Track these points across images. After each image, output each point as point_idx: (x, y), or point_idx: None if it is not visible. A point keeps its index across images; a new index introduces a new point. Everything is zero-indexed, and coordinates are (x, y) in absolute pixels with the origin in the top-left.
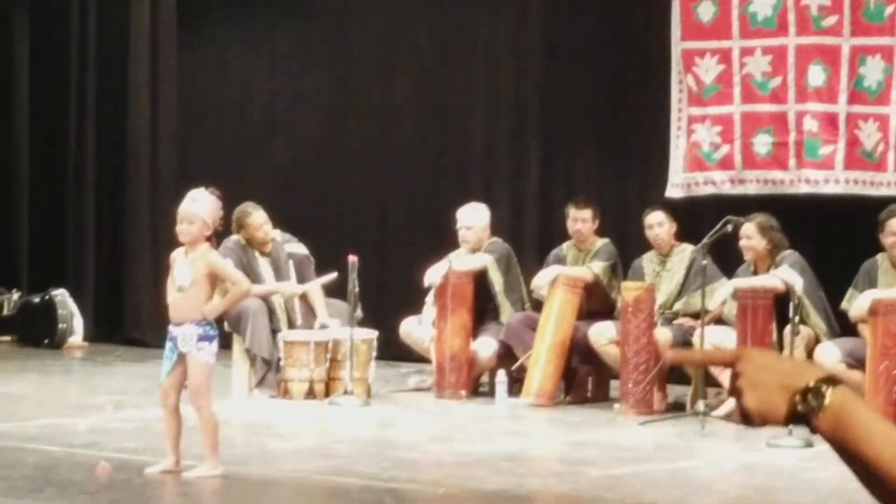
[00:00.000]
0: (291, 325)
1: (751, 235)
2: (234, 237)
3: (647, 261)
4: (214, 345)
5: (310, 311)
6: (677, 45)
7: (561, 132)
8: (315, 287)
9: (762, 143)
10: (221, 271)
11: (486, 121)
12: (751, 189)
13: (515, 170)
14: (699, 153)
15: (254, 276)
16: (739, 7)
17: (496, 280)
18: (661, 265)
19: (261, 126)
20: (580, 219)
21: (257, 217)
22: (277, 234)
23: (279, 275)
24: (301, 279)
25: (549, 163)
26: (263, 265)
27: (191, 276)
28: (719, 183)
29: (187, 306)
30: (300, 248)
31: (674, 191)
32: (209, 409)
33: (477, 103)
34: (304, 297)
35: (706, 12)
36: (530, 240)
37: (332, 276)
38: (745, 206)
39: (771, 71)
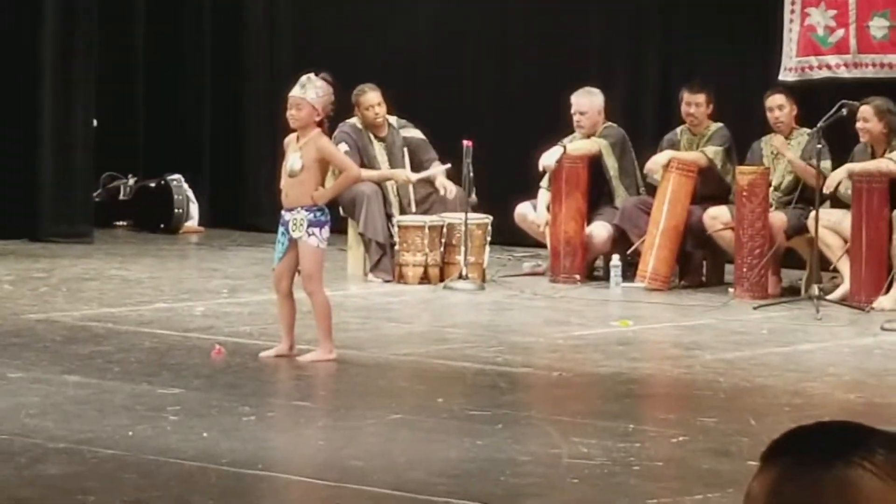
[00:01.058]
0: (404, 211)
1: (867, 118)
2: (351, 120)
3: (766, 143)
4: (326, 230)
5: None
6: None
7: (677, 16)
8: (424, 174)
9: (878, 27)
10: (331, 157)
11: (604, 5)
12: (867, 73)
13: (632, 54)
14: (813, 37)
15: (368, 160)
16: None
17: (611, 164)
18: (775, 151)
19: (378, 10)
20: (694, 103)
21: (370, 97)
22: (394, 120)
23: (393, 160)
24: (418, 164)
25: (665, 47)
26: (378, 149)
27: (301, 161)
28: (834, 67)
29: (298, 191)
30: (416, 133)
31: (787, 75)
32: (322, 294)
33: None
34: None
35: None
36: (648, 124)
37: (445, 166)
38: (859, 90)
39: None
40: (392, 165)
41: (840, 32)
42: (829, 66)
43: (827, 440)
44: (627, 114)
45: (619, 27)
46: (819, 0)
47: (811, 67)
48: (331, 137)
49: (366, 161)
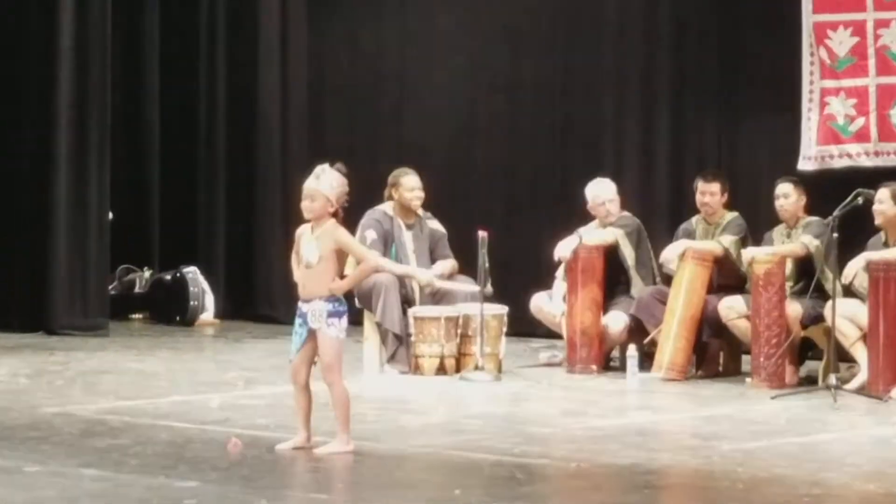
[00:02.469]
0: (421, 302)
1: (883, 200)
2: (382, 207)
3: (777, 233)
4: (344, 320)
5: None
6: (808, 18)
7: (690, 105)
8: (448, 285)
9: None
10: (348, 247)
11: (615, 94)
12: (887, 161)
13: (645, 143)
14: (833, 126)
15: (398, 247)
16: None
17: (628, 254)
18: (790, 237)
19: (390, 102)
20: (708, 192)
21: (412, 180)
22: (420, 210)
23: (420, 250)
24: (437, 255)
25: (678, 136)
26: (408, 238)
27: (318, 252)
28: (855, 155)
29: (315, 283)
30: (438, 226)
31: (806, 164)
32: (341, 385)
33: (606, 77)
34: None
35: None
36: (659, 213)
37: (473, 289)
38: (878, 179)
39: None
40: (419, 255)
41: (860, 121)
42: (849, 155)
43: None
44: (639, 202)
45: (632, 115)
46: (838, 90)
47: (832, 156)
48: (357, 224)
49: (395, 248)
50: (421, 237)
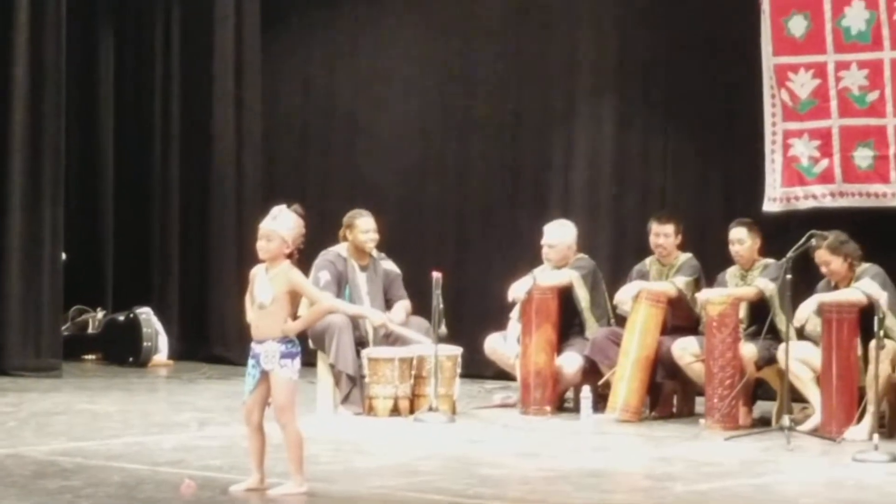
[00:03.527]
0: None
1: (827, 261)
2: (335, 248)
3: (731, 275)
4: (297, 361)
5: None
6: (769, 61)
7: (643, 146)
8: (402, 331)
9: (863, 157)
10: (302, 289)
11: (565, 136)
12: (852, 202)
13: (595, 184)
14: (798, 167)
15: (352, 288)
16: (832, 21)
17: (582, 296)
18: (744, 280)
19: (343, 142)
20: (662, 233)
21: (366, 222)
22: (374, 252)
23: (374, 291)
24: (391, 296)
25: (630, 178)
26: (361, 279)
27: (272, 293)
28: (820, 196)
29: (269, 323)
30: (393, 267)
31: (772, 205)
32: (294, 426)
33: (557, 118)
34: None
35: (798, 27)
36: (613, 255)
37: (423, 340)
38: (843, 219)
39: (868, 84)
40: (373, 296)
41: (825, 162)
42: (814, 196)
43: None
44: (597, 245)
45: (583, 157)
46: (802, 131)
47: (797, 198)
48: (311, 265)
49: (349, 290)
50: (375, 278)
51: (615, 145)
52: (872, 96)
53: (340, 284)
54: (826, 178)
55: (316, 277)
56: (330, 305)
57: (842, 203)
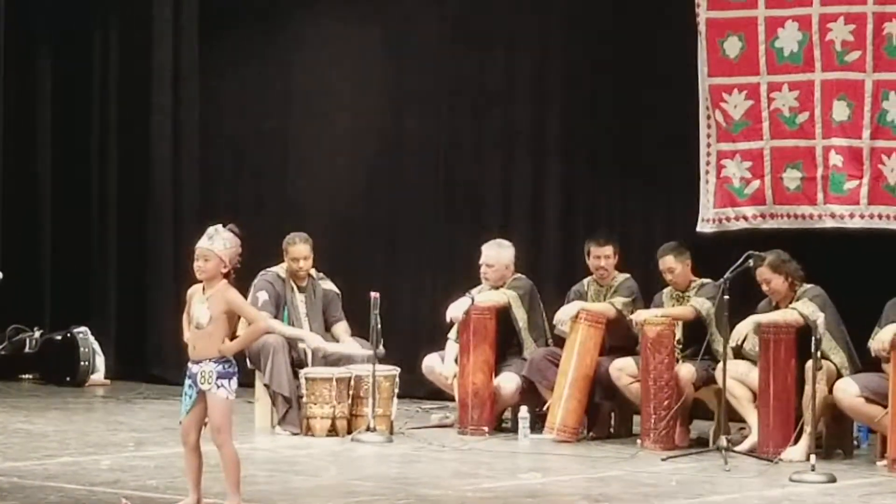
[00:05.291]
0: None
1: (768, 278)
2: (273, 269)
3: (667, 296)
4: (234, 381)
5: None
6: (705, 81)
7: (580, 165)
8: (338, 347)
9: (791, 178)
10: (239, 308)
11: (502, 154)
12: (781, 224)
13: (534, 204)
14: (729, 188)
15: (289, 311)
16: (766, 43)
17: (520, 316)
18: (679, 301)
19: (277, 161)
20: (603, 255)
21: (300, 249)
22: (313, 272)
23: (313, 312)
24: (329, 316)
25: (568, 196)
26: (299, 300)
27: (209, 313)
28: (751, 218)
29: (206, 343)
30: (332, 287)
31: (705, 226)
32: (230, 446)
33: (493, 136)
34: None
35: (733, 48)
36: (551, 275)
37: (364, 352)
38: (774, 241)
39: (798, 106)
40: (311, 317)
41: (756, 184)
42: (745, 217)
43: None
44: (529, 263)
45: (523, 175)
46: (734, 152)
47: (728, 219)
48: (247, 284)
49: (287, 311)
50: (314, 299)
51: (554, 163)
52: (802, 117)
53: (279, 305)
54: (757, 199)
55: (254, 297)
56: (267, 325)
57: (772, 224)
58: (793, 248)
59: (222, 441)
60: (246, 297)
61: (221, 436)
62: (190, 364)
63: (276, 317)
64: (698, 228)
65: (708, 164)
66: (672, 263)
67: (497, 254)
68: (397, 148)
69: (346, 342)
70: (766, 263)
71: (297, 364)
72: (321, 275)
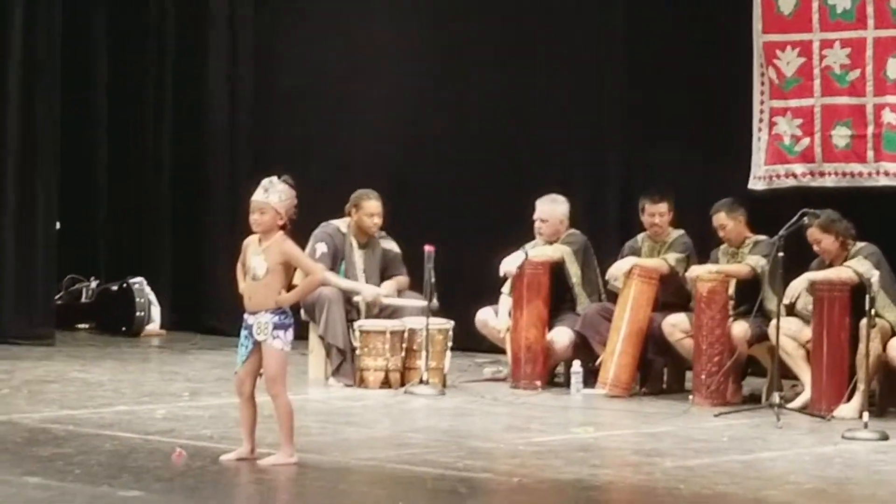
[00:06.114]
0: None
1: (818, 238)
2: (336, 222)
3: (722, 253)
4: (290, 333)
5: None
6: (759, 38)
7: (641, 123)
8: (394, 301)
9: (841, 136)
10: (296, 260)
11: (565, 108)
12: (829, 182)
13: (594, 159)
14: (780, 146)
15: (348, 265)
16: None
17: (573, 272)
18: (734, 257)
19: (335, 116)
20: (657, 213)
21: (374, 205)
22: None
23: (370, 269)
24: (389, 275)
25: (628, 152)
26: (358, 257)
27: (265, 264)
28: (800, 175)
29: (262, 295)
30: (393, 246)
31: (756, 183)
32: (284, 398)
33: (557, 93)
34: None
35: (787, 5)
36: (609, 231)
37: (419, 304)
38: (823, 199)
39: (849, 63)
40: (368, 274)
41: (806, 141)
42: (794, 175)
43: None
44: (589, 219)
45: (581, 132)
46: (786, 109)
47: (778, 176)
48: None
49: (345, 266)
50: (372, 257)
51: (612, 120)
52: (853, 75)
53: (336, 259)
54: (806, 156)
55: (313, 248)
56: (324, 277)
57: (821, 182)
58: (846, 207)
59: (277, 392)
60: (303, 247)
61: (276, 386)
62: (246, 315)
63: (332, 270)
64: (749, 186)
65: (760, 121)
66: (724, 220)
67: (551, 209)
68: (455, 103)
69: (402, 297)
70: (817, 224)
71: (352, 317)
72: (382, 233)
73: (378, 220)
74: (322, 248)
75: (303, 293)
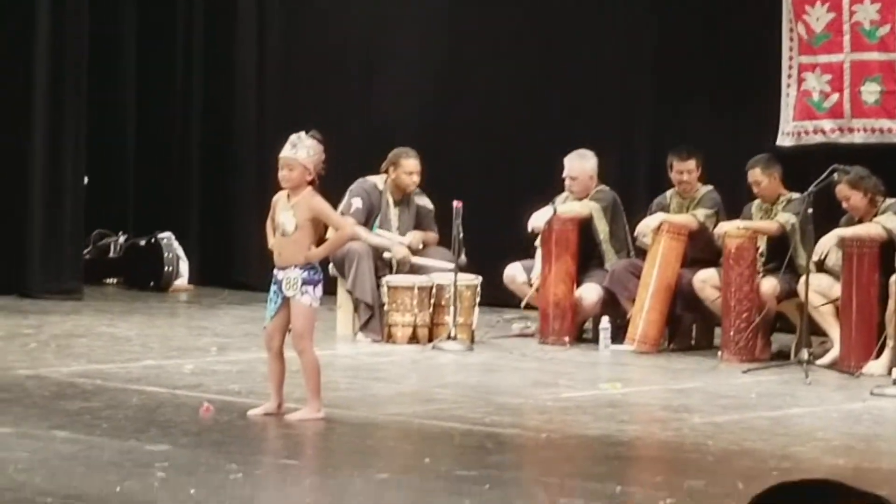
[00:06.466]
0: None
1: (847, 195)
2: (373, 179)
3: (756, 208)
4: (319, 289)
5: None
6: None
7: (670, 80)
8: (424, 261)
9: (870, 92)
10: (326, 216)
11: (593, 64)
12: (858, 138)
13: (623, 115)
14: (809, 101)
15: (383, 221)
16: None
17: (601, 228)
18: (768, 213)
19: (365, 73)
20: (686, 170)
21: (413, 163)
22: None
23: (404, 226)
24: (422, 230)
25: (657, 108)
26: (394, 213)
27: (294, 220)
28: (828, 132)
29: (292, 250)
30: (427, 203)
31: (784, 139)
32: (312, 353)
33: (586, 49)
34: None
35: None
36: (638, 187)
37: (447, 266)
38: (851, 155)
39: (879, 19)
40: (403, 231)
41: (834, 97)
42: (823, 131)
43: (808, 497)
44: (619, 175)
45: (610, 90)
46: (815, 65)
47: (807, 132)
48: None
49: (379, 222)
50: (407, 213)
51: (643, 78)
52: (883, 30)
53: (371, 215)
54: (835, 112)
55: (348, 203)
56: (353, 232)
57: (850, 139)
58: (875, 163)
59: (303, 347)
60: (334, 203)
61: (303, 342)
62: (276, 270)
63: (366, 225)
64: (778, 142)
65: (789, 76)
66: (759, 176)
67: (580, 165)
68: (485, 61)
69: (428, 251)
70: (846, 180)
71: (382, 271)
72: (417, 190)
73: (416, 178)
74: (357, 202)
75: (332, 248)
